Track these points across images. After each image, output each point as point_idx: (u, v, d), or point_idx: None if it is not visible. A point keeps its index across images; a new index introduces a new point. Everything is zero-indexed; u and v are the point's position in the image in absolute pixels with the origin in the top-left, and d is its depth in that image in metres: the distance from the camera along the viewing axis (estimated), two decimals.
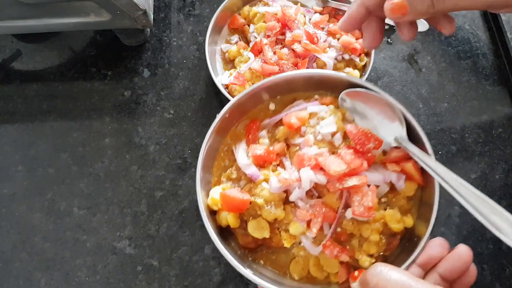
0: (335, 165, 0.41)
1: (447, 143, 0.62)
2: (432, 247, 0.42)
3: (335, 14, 0.66)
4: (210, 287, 0.56)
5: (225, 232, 0.46)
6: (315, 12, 0.65)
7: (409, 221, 0.44)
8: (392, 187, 0.44)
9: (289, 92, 0.49)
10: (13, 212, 0.61)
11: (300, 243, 0.45)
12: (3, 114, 0.66)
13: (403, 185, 0.44)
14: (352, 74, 0.61)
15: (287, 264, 0.45)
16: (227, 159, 0.49)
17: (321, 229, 0.42)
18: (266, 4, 0.66)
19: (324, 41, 0.62)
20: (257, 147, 0.45)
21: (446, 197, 0.59)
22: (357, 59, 0.62)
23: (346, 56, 0.62)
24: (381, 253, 0.43)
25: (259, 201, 0.43)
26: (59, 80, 0.68)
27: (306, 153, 0.43)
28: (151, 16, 0.64)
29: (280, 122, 0.48)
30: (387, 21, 0.61)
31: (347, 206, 0.42)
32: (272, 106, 0.50)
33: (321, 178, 0.42)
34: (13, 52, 0.71)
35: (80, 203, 0.60)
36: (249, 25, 0.65)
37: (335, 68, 0.61)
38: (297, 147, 0.46)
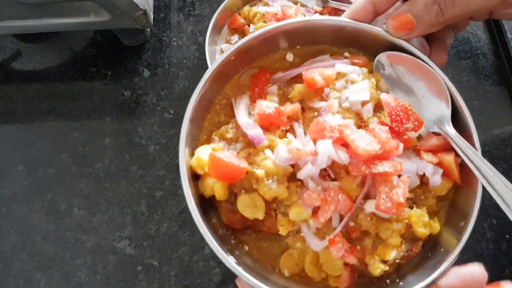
0: (366, 142, 0.32)
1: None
2: (471, 274, 0.32)
3: (335, 14, 0.66)
4: (210, 287, 0.56)
5: (206, 204, 0.37)
6: (315, 12, 0.65)
7: (435, 226, 0.36)
8: (422, 182, 0.36)
9: (312, 43, 0.39)
10: (13, 212, 0.61)
11: (298, 232, 0.36)
12: (3, 114, 0.66)
13: (438, 181, 0.35)
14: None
15: (278, 256, 0.37)
16: (223, 113, 0.40)
17: (329, 219, 0.34)
18: (266, 4, 0.66)
19: None
20: (266, 104, 0.36)
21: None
22: None
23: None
24: (397, 260, 0.35)
25: (259, 172, 0.34)
26: (59, 80, 0.68)
27: (327, 121, 0.34)
28: (151, 16, 0.64)
29: (296, 79, 0.39)
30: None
31: (367, 196, 0.34)
32: (289, 57, 0.40)
33: (343, 156, 0.33)
34: (13, 52, 0.71)
35: (80, 203, 0.60)
36: (249, 25, 0.65)
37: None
38: (315, 113, 0.37)
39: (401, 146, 0.34)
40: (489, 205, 0.58)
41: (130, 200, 0.60)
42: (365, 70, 0.38)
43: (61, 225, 0.60)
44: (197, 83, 0.67)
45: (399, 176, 0.34)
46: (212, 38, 0.64)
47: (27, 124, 0.66)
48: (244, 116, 0.38)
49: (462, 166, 0.35)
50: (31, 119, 0.66)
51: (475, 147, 0.34)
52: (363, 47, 0.39)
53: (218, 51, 0.66)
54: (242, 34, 0.67)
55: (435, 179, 0.35)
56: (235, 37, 0.66)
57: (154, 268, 0.56)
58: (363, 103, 0.36)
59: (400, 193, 0.32)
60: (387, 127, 0.34)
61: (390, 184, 0.32)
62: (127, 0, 0.57)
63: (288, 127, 0.37)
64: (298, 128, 0.37)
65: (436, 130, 0.36)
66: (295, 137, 0.36)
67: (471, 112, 0.64)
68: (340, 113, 0.36)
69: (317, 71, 0.36)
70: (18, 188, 0.62)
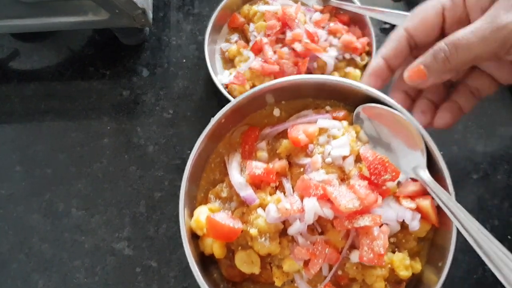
0: (347, 199, 0.35)
1: (449, 144, 0.61)
2: None
3: (336, 13, 0.65)
4: None
5: (207, 259, 0.40)
6: (316, 11, 0.64)
7: (417, 266, 0.39)
8: (403, 226, 0.39)
9: (297, 97, 0.44)
10: (11, 213, 0.60)
11: (293, 281, 0.39)
12: (1, 114, 0.66)
13: (417, 226, 0.38)
14: (353, 74, 0.60)
15: None
16: (217, 171, 0.43)
17: (319, 269, 0.37)
18: (266, 3, 0.66)
19: (325, 40, 0.61)
20: (255, 165, 0.39)
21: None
22: (358, 58, 0.62)
23: (347, 56, 0.61)
24: None
25: (252, 231, 0.37)
26: (57, 80, 0.68)
27: (312, 178, 0.37)
28: (150, 15, 0.63)
29: (283, 134, 0.42)
30: (389, 20, 0.60)
31: (353, 246, 0.37)
32: (276, 112, 0.44)
33: (327, 212, 0.36)
34: (11, 51, 0.70)
35: (78, 204, 0.60)
36: (248, 24, 0.65)
37: (336, 68, 0.61)
38: (301, 169, 0.40)
39: (380, 198, 0.36)
40: (491, 206, 0.58)
41: (129, 201, 0.60)
42: (345, 123, 0.41)
43: (59, 226, 0.59)
44: (197, 83, 0.67)
45: (381, 225, 0.36)
46: (212, 38, 0.64)
47: (25, 124, 0.65)
48: (237, 175, 0.40)
49: (439, 207, 0.37)
50: (29, 119, 0.65)
51: (449, 191, 0.37)
52: (343, 99, 0.42)
53: (218, 50, 0.66)
54: (242, 33, 0.66)
55: (414, 224, 0.38)
56: (234, 36, 0.66)
57: (153, 269, 0.56)
58: (344, 157, 0.39)
59: (381, 244, 0.35)
60: (366, 182, 0.37)
61: (371, 236, 0.35)
62: None
63: (278, 183, 0.40)
64: (287, 184, 0.40)
65: (414, 176, 0.39)
66: (285, 192, 0.39)
67: (473, 112, 0.64)
68: (324, 168, 0.39)
69: (301, 128, 0.40)
70: (16, 189, 0.61)
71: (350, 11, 0.64)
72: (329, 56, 0.60)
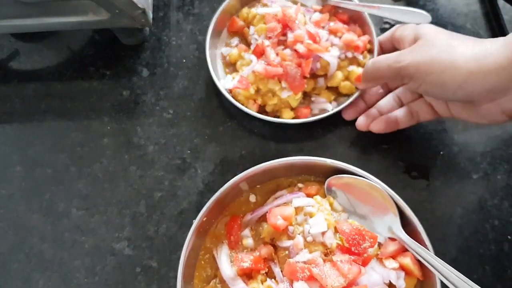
0: (332, 278, 0.37)
1: (449, 144, 0.61)
2: None
3: (335, 12, 0.65)
4: None
5: None
6: (315, 11, 0.64)
7: None
8: (391, 284, 0.41)
9: (269, 179, 0.47)
10: (11, 213, 0.60)
11: None
12: (1, 114, 0.66)
13: (403, 285, 0.40)
14: (355, 72, 0.60)
15: None
16: (208, 267, 0.44)
17: None
18: (265, 5, 0.65)
19: (326, 40, 0.61)
20: (242, 259, 0.41)
21: (448, 198, 0.59)
22: (360, 57, 0.62)
23: (349, 54, 0.61)
24: None
25: None
26: (57, 80, 0.68)
27: (297, 261, 0.39)
28: (150, 15, 0.63)
29: (263, 217, 0.44)
30: (388, 16, 0.61)
31: None
32: (252, 198, 0.47)
33: None
34: (11, 51, 0.70)
35: (79, 204, 0.60)
36: (248, 27, 0.65)
37: (339, 67, 0.61)
38: (286, 252, 0.41)
39: (363, 269, 0.39)
40: (491, 206, 0.58)
41: (129, 201, 0.60)
42: (319, 198, 0.44)
43: (59, 226, 0.59)
44: (197, 83, 0.67)
45: None
46: (212, 42, 0.64)
47: (25, 124, 0.65)
48: (227, 269, 0.42)
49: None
50: (29, 119, 0.65)
51: (425, 246, 0.40)
52: (313, 173, 0.46)
53: (219, 55, 0.65)
54: (242, 36, 0.66)
55: (400, 283, 0.40)
56: (235, 40, 0.66)
57: (153, 269, 0.56)
58: (323, 232, 0.41)
59: None
60: (347, 256, 0.39)
61: None
62: None
63: (267, 269, 0.42)
64: (275, 268, 0.42)
65: (392, 236, 0.41)
66: (275, 277, 0.41)
67: None
68: (307, 247, 0.41)
69: (278, 213, 0.42)
70: (16, 189, 0.61)
71: (349, 10, 0.64)
72: (332, 55, 0.60)
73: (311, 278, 0.38)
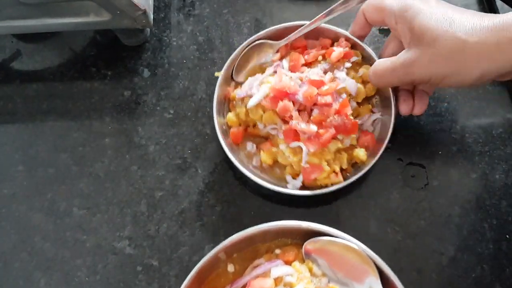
0: None
1: (447, 143, 0.62)
2: None
3: (292, 47, 0.63)
4: None
5: None
6: (275, 62, 0.61)
7: None
8: None
9: (246, 246, 0.46)
10: (13, 212, 0.61)
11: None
12: (3, 114, 0.66)
13: None
14: (367, 72, 0.57)
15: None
16: None
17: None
18: (238, 87, 0.60)
19: (324, 74, 0.58)
20: None
21: (446, 197, 0.59)
22: (355, 58, 0.60)
23: (348, 65, 0.59)
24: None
25: None
26: (59, 80, 0.68)
27: None
28: (151, 16, 0.64)
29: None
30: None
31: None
32: (230, 268, 0.45)
33: None
34: (13, 52, 0.71)
35: (80, 203, 0.60)
36: (253, 126, 0.59)
37: (356, 78, 0.58)
38: None
39: None
40: (489, 205, 0.58)
41: (130, 200, 0.60)
42: (297, 265, 0.43)
43: (61, 225, 0.60)
44: (197, 83, 0.68)
45: None
46: (218, 110, 0.60)
47: (27, 124, 0.66)
48: None
49: None
50: (31, 119, 0.66)
51: None
52: (290, 235, 0.46)
53: (225, 122, 0.61)
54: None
55: None
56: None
57: (154, 268, 0.56)
58: None
59: None
60: None
61: None
62: (127, 0, 0.57)
63: None
64: None
65: None
66: None
67: (471, 112, 0.64)
68: None
69: (257, 286, 0.41)
70: (18, 188, 0.62)
71: (301, 36, 0.61)
72: (344, 80, 0.57)
73: None
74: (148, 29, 0.70)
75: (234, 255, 0.46)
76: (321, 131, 0.52)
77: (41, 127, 0.65)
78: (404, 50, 0.50)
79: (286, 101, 0.53)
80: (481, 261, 0.56)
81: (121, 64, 0.69)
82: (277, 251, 0.45)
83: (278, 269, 0.42)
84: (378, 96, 0.61)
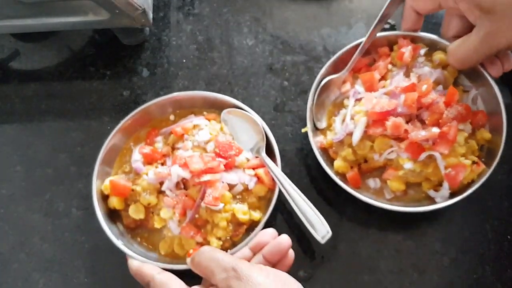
0: (196, 163, 0.52)
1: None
2: (263, 234, 0.50)
3: (355, 71, 0.61)
4: None
5: (115, 214, 0.56)
6: (350, 91, 0.59)
7: (257, 215, 0.53)
8: (247, 188, 0.54)
9: (189, 108, 0.61)
10: (11, 212, 0.60)
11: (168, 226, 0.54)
12: (1, 114, 0.66)
13: (253, 186, 0.54)
14: (444, 58, 0.56)
15: (158, 242, 0.55)
16: (127, 156, 0.59)
17: (184, 214, 0.53)
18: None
19: (406, 76, 0.57)
20: (145, 147, 0.57)
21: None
22: (423, 51, 0.57)
23: (422, 52, 0.57)
24: (229, 238, 0.53)
25: (138, 188, 0.54)
26: (57, 80, 0.68)
27: (180, 154, 0.54)
28: (150, 15, 0.63)
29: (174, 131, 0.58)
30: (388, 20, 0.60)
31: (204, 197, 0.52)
32: (172, 117, 0.61)
33: (185, 174, 0.52)
34: (11, 51, 0.70)
35: (79, 204, 0.60)
36: (366, 161, 0.57)
37: (436, 67, 0.57)
38: (179, 150, 0.56)
39: (222, 165, 0.53)
40: (491, 206, 0.58)
41: None
42: (214, 122, 0.59)
43: (59, 226, 0.59)
44: (197, 83, 0.67)
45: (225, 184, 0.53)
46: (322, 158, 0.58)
47: (25, 124, 0.65)
48: (136, 155, 0.58)
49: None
50: (29, 119, 0.66)
51: (277, 164, 0.55)
52: (218, 107, 0.60)
53: None
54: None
55: (251, 184, 0.54)
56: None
57: None
58: (207, 142, 0.55)
59: (217, 192, 0.51)
60: (213, 154, 0.54)
61: (213, 188, 0.52)
62: None
63: (163, 160, 0.57)
64: (168, 161, 0.56)
65: (257, 155, 0.56)
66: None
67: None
68: (193, 149, 0.55)
69: (181, 125, 0.58)
70: (16, 189, 0.61)
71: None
72: (431, 73, 0.56)
73: (184, 165, 0.53)
74: (147, 29, 0.70)
75: (177, 111, 0.61)
76: (444, 129, 0.51)
77: (39, 127, 0.65)
78: (477, 26, 0.49)
79: (393, 118, 0.51)
80: (482, 262, 0.56)
81: (120, 63, 0.69)
82: (205, 113, 0.60)
83: (199, 120, 0.58)
84: (461, 74, 0.58)
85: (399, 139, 0.53)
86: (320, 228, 0.50)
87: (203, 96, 0.60)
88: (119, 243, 0.52)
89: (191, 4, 0.73)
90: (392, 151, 0.53)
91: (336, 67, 0.59)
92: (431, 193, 0.53)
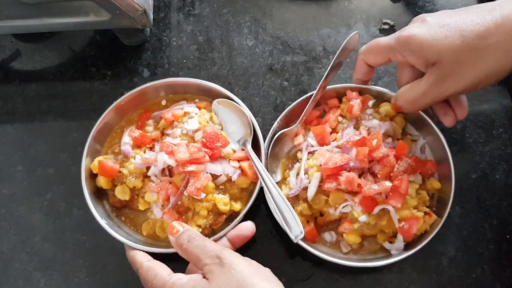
0: (181, 153, 0.53)
1: (448, 144, 0.61)
2: (242, 228, 0.53)
3: (306, 123, 0.61)
4: None
5: (102, 192, 0.58)
6: (302, 144, 0.59)
7: (237, 206, 0.55)
8: (230, 180, 0.56)
9: (182, 93, 0.63)
10: (12, 212, 0.61)
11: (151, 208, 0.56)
12: (3, 114, 0.66)
13: (236, 178, 0.55)
14: (389, 110, 0.58)
15: (141, 223, 0.57)
16: (118, 137, 0.61)
17: (168, 199, 0.55)
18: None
19: (355, 129, 0.57)
20: (134, 131, 0.58)
21: (447, 198, 0.59)
22: (370, 102, 0.58)
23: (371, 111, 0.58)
24: (208, 226, 0.55)
25: (125, 171, 0.56)
26: (58, 80, 0.68)
27: (167, 141, 0.56)
28: (151, 16, 0.63)
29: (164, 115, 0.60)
30: (387, 20, 0.60)
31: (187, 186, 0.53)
32: (163, 102, 0.62)
33: (171, 162, 0.54)
34: (13, 52, 0.71)
35: (80, 203, 0.60)
36: (322, 214, 0.57)
37: (384, 119, 0.58)
38: (168, 136, 0.58)
39: (207, 156, 0.54)
40: (490, 205, 0.58)
41: None
42: (204, 111, 0.60)
43: (60, 225, 0.60)
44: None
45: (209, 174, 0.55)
46: None
47: (27, 124, 0.66)
48: (126, 138, 0.59)
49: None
50: (31, 119, 0.66)
51: (261, 159, 0.56)
52: (210, 95, 0.62)
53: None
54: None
55: (234, 176, 0.55)
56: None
57: None
58: (195, 131, 0.57)
59: (200, 183, 0.53)
60: (200, 144, 0.55)
61: (197, 178, 0.53)
62: None
63: (152, 145, 0.58)
64: (157, 146, 0.58)
65: (243, 147, 0.57)
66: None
67: (471, 112, 0.64)
68: (181, 137, 0.57)
69: (171, 112, 0.59)
70: (18, 188, 0.62)
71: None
72: (380, 126, 0.57)
73: (171, 153, 0.54)
74: (148, 29, 0.70)
75: (170, 96, 0.63)
76: (396, 182, 0.51)
77: (40, 127, 0.65)
78: (427, 73, 0.50)
79: (346, 173, 0.52)
80: (481, 261, 0.56)
81: (121, 64, 0.69)
82: (196, 100, 0.62)
83: (190, 107, 0.59)
84: (408, 123, 0.60)
85: (353, 192, 0.53)
86: (294, 227, 0.50)
87: (197, 83, 0.61)
88: (102, 222, 0.54)
89: (191, 4, 0.73)
90: (346, 205, 0.53)
91: (287, 120, 0.60)
92: (386, 245, 0.54)
